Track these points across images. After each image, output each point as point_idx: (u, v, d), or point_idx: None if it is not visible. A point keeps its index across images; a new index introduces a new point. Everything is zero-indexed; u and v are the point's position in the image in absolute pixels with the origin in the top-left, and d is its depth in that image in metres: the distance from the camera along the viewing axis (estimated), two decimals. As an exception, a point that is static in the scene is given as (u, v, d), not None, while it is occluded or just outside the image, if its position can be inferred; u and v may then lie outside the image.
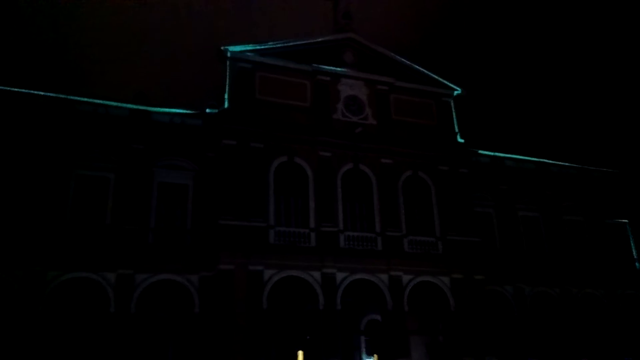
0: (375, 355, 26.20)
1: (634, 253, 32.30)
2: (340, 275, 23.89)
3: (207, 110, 25.19)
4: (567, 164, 32.74)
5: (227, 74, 25.49)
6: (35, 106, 22.95)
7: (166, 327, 22.12)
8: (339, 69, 27.28)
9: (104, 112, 24.14)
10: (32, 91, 23.36)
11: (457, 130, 28.89)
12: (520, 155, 31.77)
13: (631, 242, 32.58)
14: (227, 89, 25.19)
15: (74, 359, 20.57)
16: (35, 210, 21.73)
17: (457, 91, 29.43)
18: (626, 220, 32.74)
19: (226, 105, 24.79)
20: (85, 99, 24.23)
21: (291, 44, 26.73)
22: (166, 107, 25.43)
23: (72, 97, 23.88)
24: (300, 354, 24.79)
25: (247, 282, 22.30)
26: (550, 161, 32.23)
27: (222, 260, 22.29)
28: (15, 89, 23.14)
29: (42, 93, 23.43)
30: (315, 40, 27.38)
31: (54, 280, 21.08)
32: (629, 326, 29.83)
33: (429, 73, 29.00)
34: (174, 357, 21.80)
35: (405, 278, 24.93)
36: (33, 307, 20.47)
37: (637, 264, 32.02)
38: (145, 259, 22.40)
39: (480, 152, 29.60)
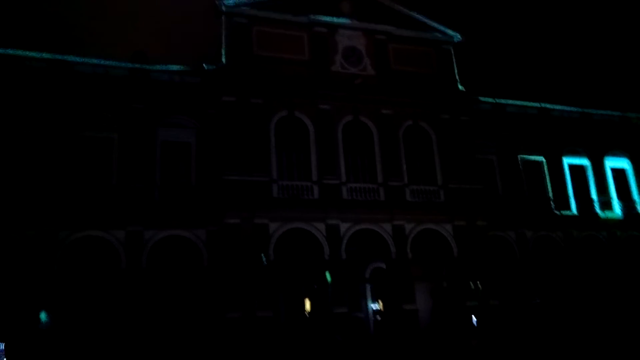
0: (380, 302, 27.04)
1: (636, 194, 32.52)
2: (344, 226, 24.36)
3: (205, 67, 25.09)
4: (568, 107, 32.47)
5: (223, 29, 25.25)
6: (35, 69, 22.96)
7: (176, 281, 22.78)
8: (336, 19, 26.90)
9: (103, 72, 24.13)
10: (30, 53, 23.30)
11: (457, 78, 28.67)
12: (521, 101, 31.51)
13: (633, 183, 32.79)
14: (223, 45, 25.01)
15: (88, 315, 21.30)
16: (42, 173, 22.11)
17: (457, 38, 29.02)
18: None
19: (224, 61, 24.67)
20: (84, 60, 24.16)
21: (287, -5, 26.28)
22: (165, 65, 25.32)
23: (70, 59, 23.82)
24: (307, 302, 25.65)
25: (252, 235, 22.83)
26: (552, 106, 31.98)
27: (227, 215, 22.77)
28: (14, 52, 23.06)
29: (40, 55, 23.38)
30: (311, -9, 26.89)
31: (65, 239, 21.67)
32: (629, 268, 30.32)
33: (428, 20, 28.55)
34: (184, 310, 22.54)
35: (408, 227, 25.37)
36: (47, 266, 21.14)
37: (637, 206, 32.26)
38: (153, 216, 22.91)
39: (481, 99, 29.46)
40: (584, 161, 31.98)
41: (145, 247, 22.52)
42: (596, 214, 30.75)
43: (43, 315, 19.81)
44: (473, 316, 23.90)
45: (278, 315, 23.37)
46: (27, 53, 23.27)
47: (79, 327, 20.91)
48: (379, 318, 26.95)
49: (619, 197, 32.01)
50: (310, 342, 22.54)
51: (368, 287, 27.64)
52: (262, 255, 22.26)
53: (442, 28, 28.66)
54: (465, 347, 22.38)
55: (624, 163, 33.06)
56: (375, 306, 27.41)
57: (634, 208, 32.11)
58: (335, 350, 21.49)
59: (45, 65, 23.20)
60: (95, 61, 24.30)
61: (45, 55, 23.47)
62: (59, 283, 21.21)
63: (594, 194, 31.36)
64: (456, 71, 28.80)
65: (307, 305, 25.67)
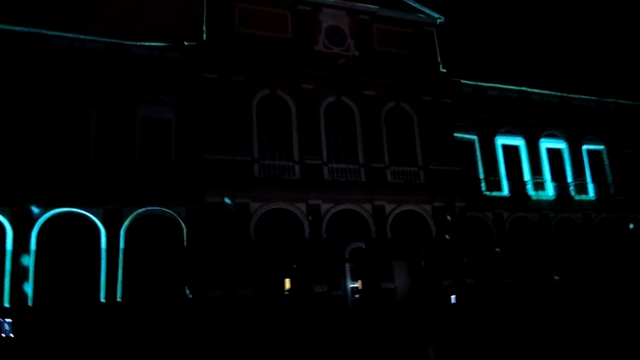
0: (360, 281, 27.44)
1: (609, 178, 33.33)
2: (325, 206, 24.48)
3: (186, 43, 24.67)
4: (547, 92, 32.97)
5: (205, 5, 24.80)
6: (9, 41, 22.28)
7: (156, 260, 22.69)
8: (319, -3, 26.63)
9: (80, 46, 23.52)
10: (5, 26, 22.56)
11: (439, 60, 28.75)
12: (502, 84, 31.84)
13: (607, 168, 33.62)
14: (205, 21, 24.59)
15: (68, 294, 21.14)
16: (17, 148, 21.63)
17: (440, 20, 29.02)
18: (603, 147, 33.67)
19: (205, 38, 24.30)
20: (60, 33, 23.50)
21: (269, -29, 25.89)
22: (144, 41, 24.81)
23: (46, 32, 23.14)
24: (287, 281, 25.90)
25: (233, 214, 22.81)
26: (532, 90, 32.41)
27: (208, 193, 22.67)
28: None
29: (15, 28, 22.66)
30: (294, -33, 26.52)
31: (41, 215, 21.38)
32: (609, 249, 31.26)
33: (411, 2, 28.43)
34: (164, 289, 22.52)
35: (389, 207, 25.64)
36: (23, 242, 20.91)
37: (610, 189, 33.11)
38: (132, 194, 22.66)
39: (463, 82, 29.64)
40: (562, 144, 32.61)
41: (124, 225, 22.31)
42: (571, 196, 31.43)
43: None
44: (453, 295, 24.39)
45: (258, 293, 23.55)
46: (1, 26, 22.55)
47: (53, 305, 20.75)
48: (357, 296, 27.38)
49: (594, 179, 32.83)
50: (290, 320, 22.82)
51: (347, 266, 27.98)
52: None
53: (425, 10, 28.59)
54: (443, 322, 22.90)
55: (600, 146, 33.79)
56: (354, 285, 27.81)
57: (609, 190, 32.95)
58: (314, 327, 21.82)
59: (21, 38, 22.52)
60: (72, 35, 23.64)
61: (21, 28, 22.75)
62: (37, 260, 20.98)
63: (569, 177, 32.08)
64: (439, 53, 28.87)
65: (287, 283, 25.93)
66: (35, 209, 21.36)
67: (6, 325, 18.51)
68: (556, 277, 29.05)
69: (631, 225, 31.52)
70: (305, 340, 20.83)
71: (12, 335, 18.24)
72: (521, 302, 26.85)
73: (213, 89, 23.86)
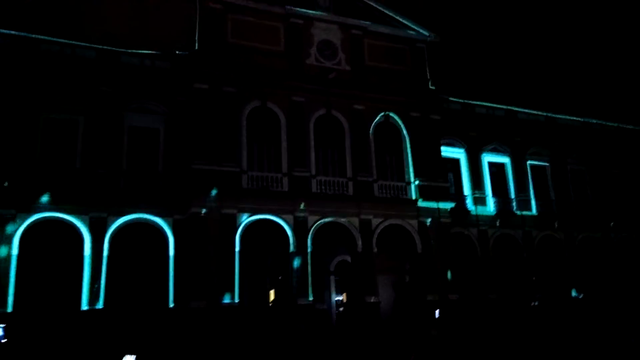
0: (344, 294, 27.47)
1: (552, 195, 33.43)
2: (312, 219, 24.55)
3: (178, 53, 24.69)
4: (534, 111, 33.48)
5: (198, 15, 24.88)
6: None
7: (140, 270, 22.55)
8: (312, 11, 26.84)
9: (70, 52, 23.44)
10: (-7, 30, 22.45)
11: (429, 77, 29.08)
12: (490, 102, 32.28)
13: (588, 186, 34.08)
14: (197, 31, 24.65)
15: (49, 300, 20.93)
16: (3, 154, 21.43)
17: (431, 37, 29.37)
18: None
19: (196, 47, 24.34)
20: (50, 38, 23.38)
21: (263, -16, 26.04)
22: (136, 49, 24.78)
23: (36, 36, 23.03)
24: (272, 293, 25.84)
25: (220, 225, 22.78)
26: (519, 109, 32.90)
27: (195, 204, 22.62)
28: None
29: (3, 31, 22.52)
30: (288, -19, 26.72)
31: (24, 220, 21.15)
32: (585, 267, 31.67)
33: (403, 19, 28.75)
34: (148, 297, 22.38)
35: (375, 221, 25.76)
36: (4, 249, 20.67)
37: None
38: (118, 203, 22.55)
39: (452, 99, 29.99)
40: (545, 163, 33.06)
41: (108, 234, 22.16)
42: (555, 213, 31.85)
43: None
44: (437, 310, 24.55)
45: (242, 304, 23.47)
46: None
47: (34, 311, 20.50)
48: (341, 309, 27.39)
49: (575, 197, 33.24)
50: (274, 332, 22.77)
51: (333, 279, 28.00)
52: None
53: (417, 27, 28.91)
54: (425, 337, 23.06)
55: (582, 166, 34.30)
56: (339, 298, 27.83)
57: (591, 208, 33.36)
58: (297, 340, 21.80)
59: (10, 42, 22.38)
60: (62, 40, 23.55)
61: (10, 31, 22.60)
62: (19, 267, 20.74)
63: (552, 194, 32.49)
64: (428, 70, 29.21)
65: (272, 295, 25.87)
66: (18, 214, 21.12)
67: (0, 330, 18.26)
68: (538, 294, 29.35)
69: None
70: (288, 352, 20.83)
71: (4, 341, 17.96)
72: (503, 317, 27.10)
73: (203, 99, 23.88)
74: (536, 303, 28.40)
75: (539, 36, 56.88)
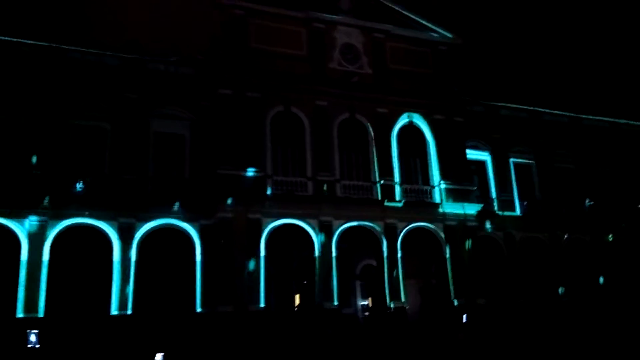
0: (370, 299, 27.28)
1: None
2: (336, 223, 24.46)
3: (201, 59, 24.89)
4: (559, 112, 32.95)
5: (220, 20, 25.07)
6: (29, 55, 22.55)
7: (168, 275, 22.67)
8: (334, 16, 26.86)
9: (96, 60, 23.77)
10: (22, 40, 22.82)
11: (452, 79, 28.86)
12: (514, 104, 31.86)
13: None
14: (220, 37, 24.83)
15: (79, 305, 21.10)
16: (32, 160, 21.76)
17: (454, 40, 29.18)
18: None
19: (219, 53, 24.48)
20: (77, 48, 23.74)
21: (286, -11, 26.15)
22: (160, 56, 25.04)
23: (62, 46, 23.39)
24: (297, 297, 25.78)
25: (246, 230, 22.82)
26: (543, 110, 32.41)
27: (221, 209, 22.71)
28: (7, 38, 22.58)
29: (32, 42, 22.92)
30: (310, -14, 26.79)
31: (55, 226, 21.43)
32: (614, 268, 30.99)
33: (426, 21, 28.64)
34: (176, 302, 22.47)
35: (400, 225, 25.58)
36: (36, 253, 20.97)
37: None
38: (146, 208, 22.73)
39: (475, 100, 29.70)
40: (571, 165, 32.48)
41: (136, 239, 22.34)
42: (582, 215, 31.24)
43: None
44: (464, 314, 24.22)
45: (269, 309, 23.44)
46: (21, 39, 22.79)
47: (65, 316, 20.70)
48: (367, 314, 27.19)
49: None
50: (301, 336, 22.67)
51: (358, 283, 27.85)
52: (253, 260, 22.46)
53: (439, 29, 28.78)
54: (452, 341, 22.76)
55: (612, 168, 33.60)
56: (364, 303, 27.64)
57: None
58: (325, 345, 21.66)
59: (39, 51, 22.77)
60: (88, 49, 23.89)
61: (39, 42, 23.01)
62: (51, 272, 21.00)
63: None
64: (452, 72, 29.00)
65: (297, 300, 25.81)
66: (49, 220, 21.41)
67: (33, 336, 18.47)
68: (565, 298, 28.77)
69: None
70: (315, 357, 20.70)
71: (38, 346, 18.15)
72: (531, 322, 26.60)
73: (227, 105, 24.00)
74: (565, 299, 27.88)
75: (558, 35, 56.21)
